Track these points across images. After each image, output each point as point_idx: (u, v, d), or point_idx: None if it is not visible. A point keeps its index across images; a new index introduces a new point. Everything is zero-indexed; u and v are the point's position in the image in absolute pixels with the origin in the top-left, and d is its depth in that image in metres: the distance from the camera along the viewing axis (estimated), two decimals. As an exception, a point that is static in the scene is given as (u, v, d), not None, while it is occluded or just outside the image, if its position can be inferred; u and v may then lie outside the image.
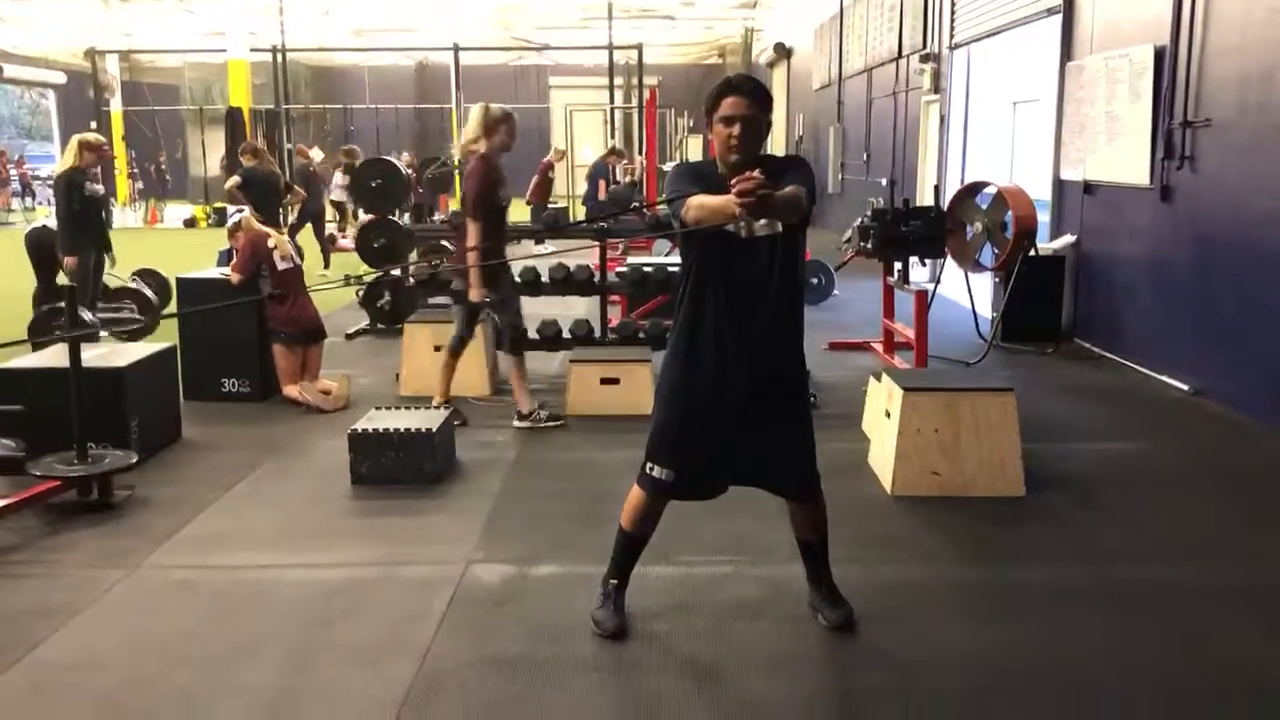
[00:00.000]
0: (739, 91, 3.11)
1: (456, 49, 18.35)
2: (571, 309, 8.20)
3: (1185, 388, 6.66)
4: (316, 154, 25.51)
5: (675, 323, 3.30)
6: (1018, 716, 2.95)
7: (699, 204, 3.00)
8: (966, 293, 8.16)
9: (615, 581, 3.46)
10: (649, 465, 3.32)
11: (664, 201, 3.20)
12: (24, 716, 2.98)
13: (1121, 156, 7.53)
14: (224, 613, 3.62)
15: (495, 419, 6.11)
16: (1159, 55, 6.98)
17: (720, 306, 3.17)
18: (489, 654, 3.29)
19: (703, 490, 3.39)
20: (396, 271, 8.71)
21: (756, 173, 2.76)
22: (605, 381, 6.16)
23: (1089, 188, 8.14)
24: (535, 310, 7.83)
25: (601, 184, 15.13)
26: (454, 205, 15.29)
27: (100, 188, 8.06)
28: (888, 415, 4.92)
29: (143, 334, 8.03)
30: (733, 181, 2.79)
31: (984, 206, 7.66)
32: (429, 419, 5.09)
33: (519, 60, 30.22)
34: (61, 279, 7.91)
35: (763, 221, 3.06)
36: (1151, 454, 5.49)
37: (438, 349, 6.59)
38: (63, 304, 5.15)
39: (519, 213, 16.30)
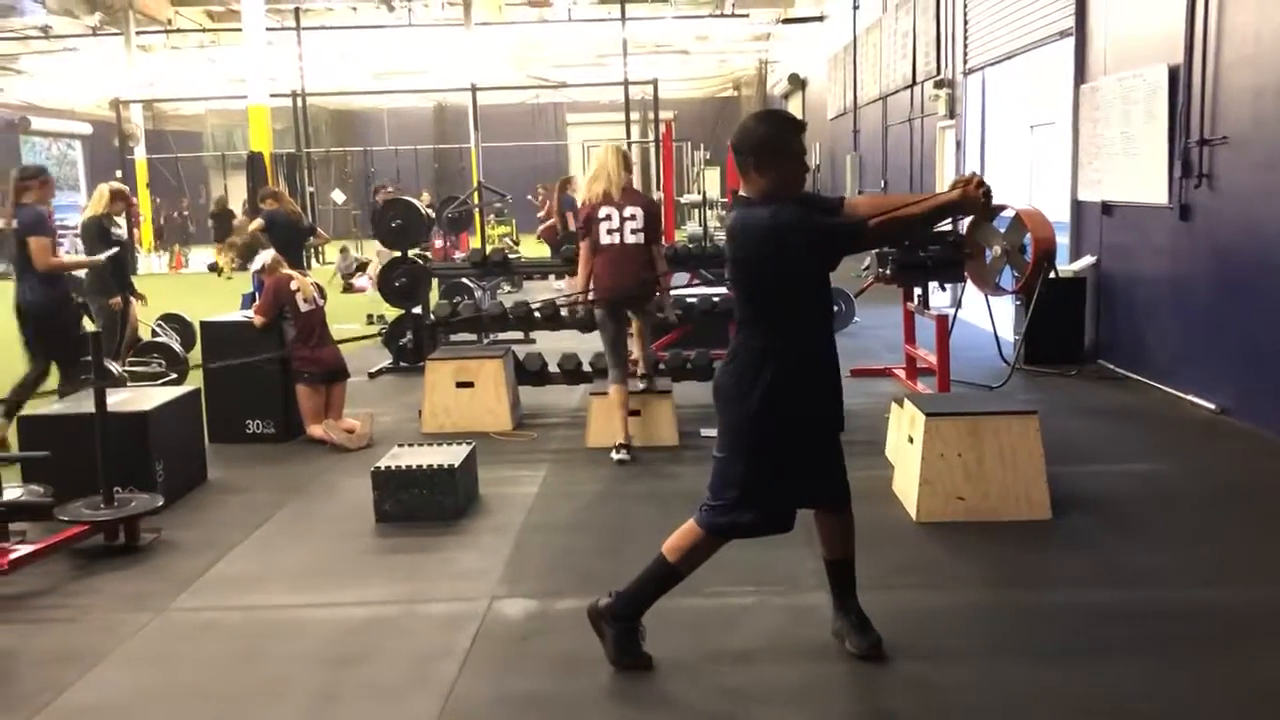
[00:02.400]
0: (803, 129, 3.30)
1: (474, 89, 18.54)
2: (592, 343, 8.22)
3: (1211, 407, 6.60)
4: (338, 195, 25.81)
5: (748, 364, 3.21)
6: (1049, 743, 2.91)
7: (894, 218, 3.21)
8: (988, 316, 8.11)
9: (634, 625, 3.38)
10: (731, 510, 3.24)
11: (838, 236, 3.22)
12: (53, 761, 2.99)
13: (1139, 176, 7.50)
14: (250, 654, 3.63)
15: (517, 454, 6.12)
16: (1173, 74, 6.97)
17: (807, 340, 3.26)
18: (513, 690, 3.28)
19: (785, 526, 3.35)
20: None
21: (974, 172, 3.11)
22: (629, 414, 6.15)
23: (1107, 208, 8.11)
24: (555, 345, 7.87)
25: (570, 216, 15.30)
26: (474, 243, 15.39)
27: (123, 233, 8.17)
28: (910, 441, 4.89)
29: (173, 382, 8.10)
30: (967, 179, 3.21)
31: (1002, 230, 7.63)
32: (452, 455, 5.11)
33: (536, 99, 30.50)
34: (88, 325, 8.01)
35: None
36: (1178, 474, 5.43)
37: (459, 385, 6.64)
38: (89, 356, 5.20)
39: (536, 248, 16.39)
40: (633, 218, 5.78)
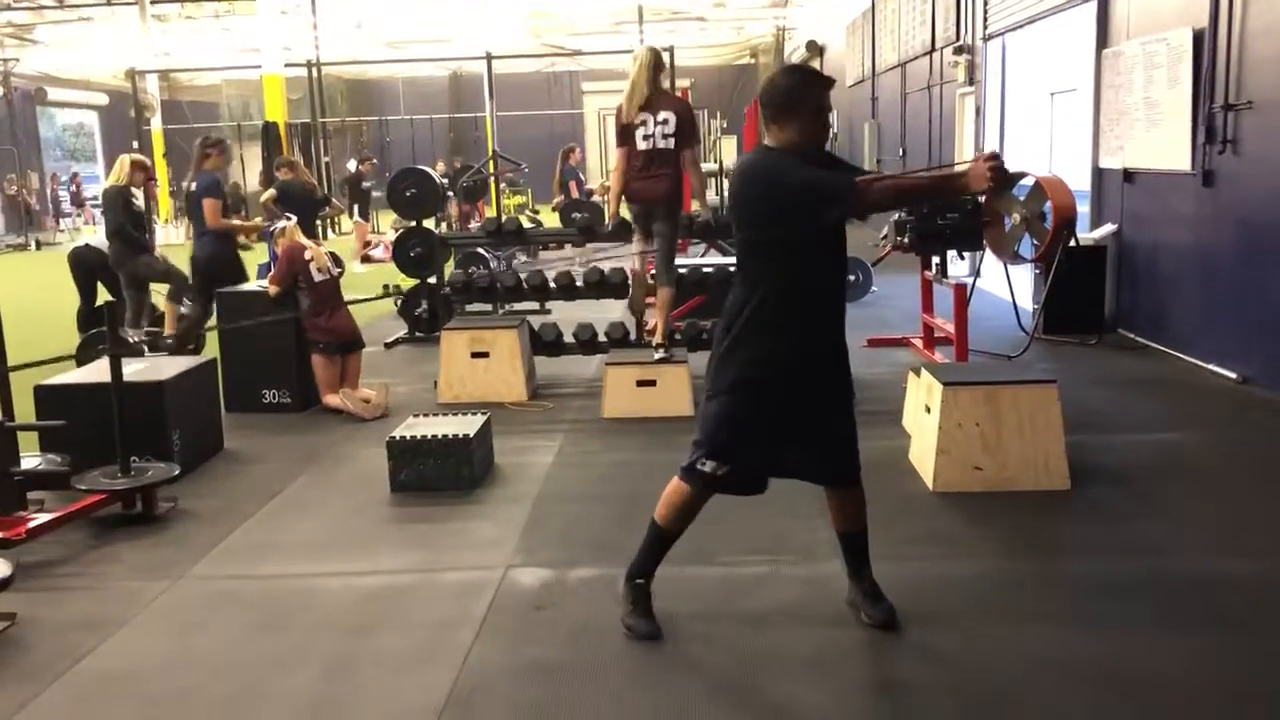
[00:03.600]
0: (830, 83, 3.25)
1: (489, 58, 18.39)
2: (607, 312, 8.21)
3: (1233, 376, 6.52)
4: (353, 165, 25.77)
5: (738, 317, 3.23)
6: (1066, 713, 2.89)
7: (896, 186, 3.19)
8: (1006, 285, 8.05)
9: (641, 580, 3.42)
10: (701, 460, 3.28)
11: (816, 189, 3.11)
12: (71, 727, 3.01)
13: (1161, 143, 7.40)
14: (266, 622, 3.64)
15: (532, 424, 6.12)
16: (1198, 38, 6.85)
17: (798, 300, 3.19)
18: (528, 658, 3.28)
19: (753, 485, 3.36)
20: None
21: (994, 150, 2.90)
22: (642, 384, 6.14)
23: (1129, 175, 8.01)
24: (570, 315, 7.85)
25: (573, 185, 15.28)
26: (490, 213, 15.35)
27: (142, 204, 8.18)
28: (928, 411, 4.86)
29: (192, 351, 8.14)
30: (984, 157, 3.02)
31: (1022, 197, 7.55)
32: (467, 425, 5.10)
33: (552, 67, 30.30)
34: (104, 296, 8.05)
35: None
36: (1199, 444, 5.38)
37: (474, 356, 6.63)
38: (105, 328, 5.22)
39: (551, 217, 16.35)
40: (665, 122, 5.93)
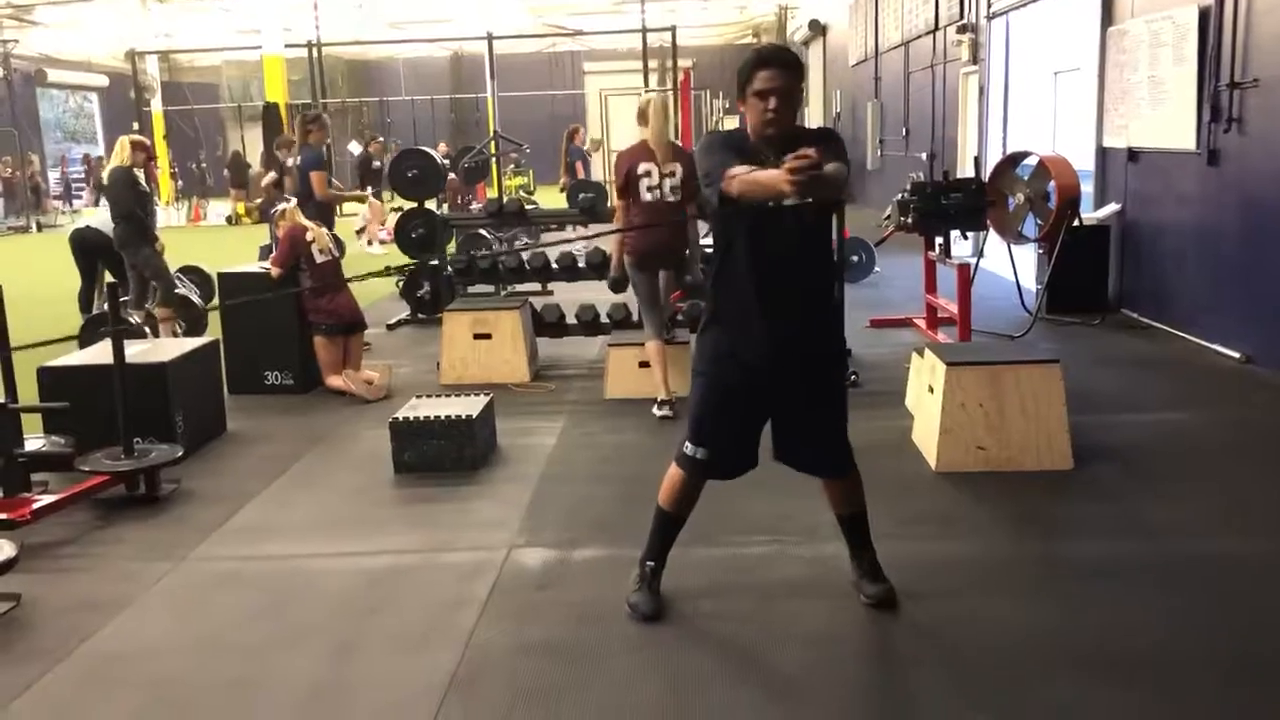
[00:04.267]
0: (773, 64, 3.07)
1: (490, 38, 18.31)
2: (610, 293, 8.19)
3: (1236, 356, 6.51)
4: (355, 147, 25.68)
5: (707, 299, 3.29)
6: (1065, 693, 2.89)
7: (747, 178, 2.92)
8: (1010, 265, 8.04)
9: (652, 563, 3.45)
10: (687, 445, 3.31)
11: (703, 175, 3.14)
12: (77, 706, 3.02)
13: (1166, 122, 7.36)
14: (270, 603, 3.65)
15: (535, 405, 6.12)
16: (1204, 15, 6.80)
17: (749, 281, 3.14)
18: (532, 639, 3.29)
19: (736, 468, 3.36)
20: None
21: (811, 151, 2.71)
22: (644, 365, 6.13)
23: (1133, 155, 7.97)
24: (572, 296, 7.84)
25: (579, 166, 15.24)
26: (491, 193, 15.32)
27: (145, 186, 8.15)
28: (931, 390, 4.85)
29: (192, 333, 8.12)
30: (787, 158, 2.70)
31: (1026, 177, 7.54)
32: (470, 406, 5.10)
33: (553, 47, 30.18)
34: (108, 278, 8.03)
35: None
36: (1202, 424, 5.37)
37: (477, 337, 6.62)
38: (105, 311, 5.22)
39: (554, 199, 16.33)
40: (672, 174, 5.62)
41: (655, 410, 5.75)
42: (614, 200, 6.12)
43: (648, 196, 5.64)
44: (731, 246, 3.17)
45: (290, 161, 8.35)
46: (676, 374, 5.94)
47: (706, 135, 3.37)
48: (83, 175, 28.58)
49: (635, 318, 6.93)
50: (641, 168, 5.63)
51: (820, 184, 2.76)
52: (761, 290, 3.13)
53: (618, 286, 6.13)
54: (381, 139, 20.26)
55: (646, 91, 6.01)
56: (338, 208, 9.05)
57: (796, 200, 2.86)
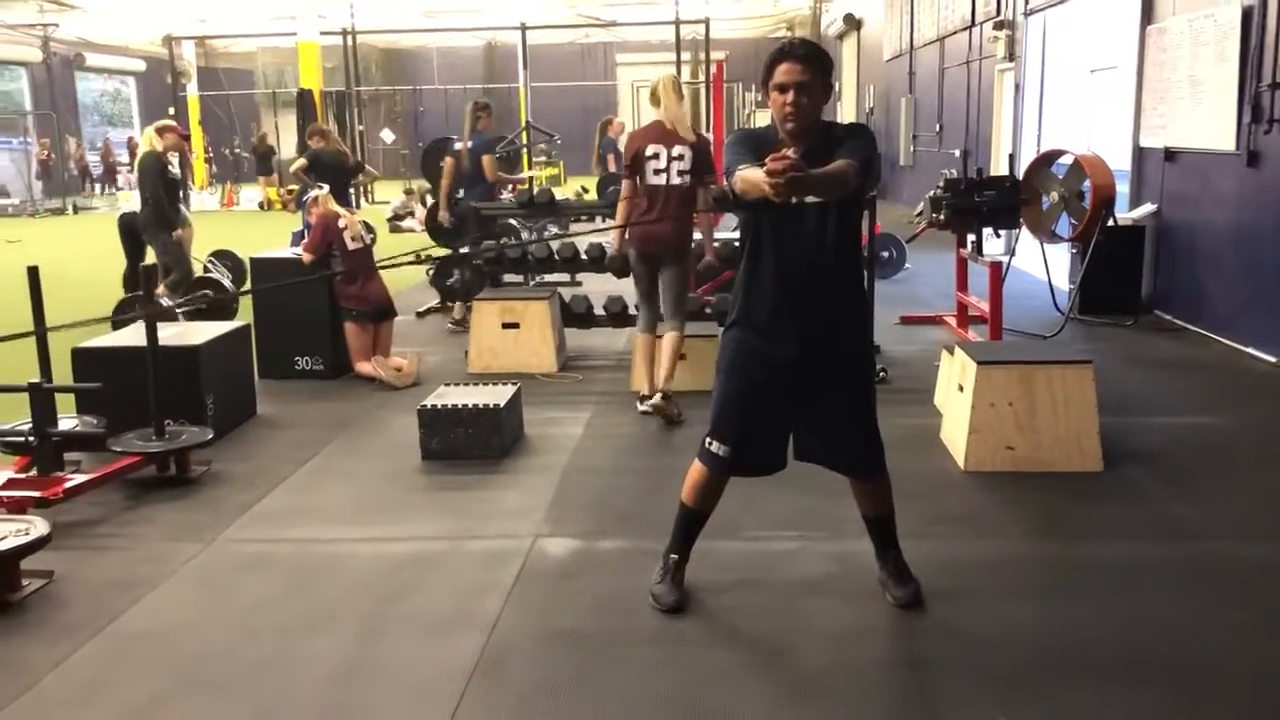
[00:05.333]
0: (793, 57, 3.02)
1: (524, 28, 18.39)
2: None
3: (1271, 359, 6.43)
4: (388, 135, 25.80)
5: (733, 296, 3.28)
6: (1090, 696, 2.88)
7: (743, 176, 2.92)
8: (1042, 264, 7.98)
9: (675, 556, 3.45)
10: (709, 441, 3.30)
11: (724, 170, 3.14)
12: (106, 684, 3.06)
13: (1205, 121, 7.27)
14: (297, 585, 3.68)
15: (562, 395, 6.13)
16: (1246, 14, 6.71)
17: (772, 278, 3.13)
18: (555, 627, 3.30)
19: (760, 466, 3.34)
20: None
21: (790, 152, 2.68)
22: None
23: (1170, 155, 7.88)
24: (600, 287, 7.84)
25: (610, 158, 15.19)
26: (523, 186, 15.34)
27: (177, 171, 8.23)
28: (961, 389, 4.83)
29: (223, 317, 8.19)
30: (768, 159, 2.68)
31: (1060, 176, 7.47)
32: (497, 395, 5.12)
33: (586, 38, 30.18)
34: (150, 259, 8.12)
35: None
36: (1235, 428, 5.31)
37: (505, 326, 6.64)
38: (140, 292, 5.27)
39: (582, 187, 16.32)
40: (680, 157, 5.46)
41: (639, 405, 5.65)
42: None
43: (653, 179, 5.48)
44: (757, 244, 3.16)
45: (459, 145, 8.76)
46: (697, 364, 5.85)
47: (733, 133, 3.36)
48: (127, 160, 28.90)
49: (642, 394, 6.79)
50: (650, 149, 5.48)
51: (801, 185, 2.70)
52: (788, 288, 3.12)
53: (617, 269, 5.95)
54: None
55: (664, 74, 5.78)
56: (366, 189, 9.14)
57: (780, 200, 2.80)
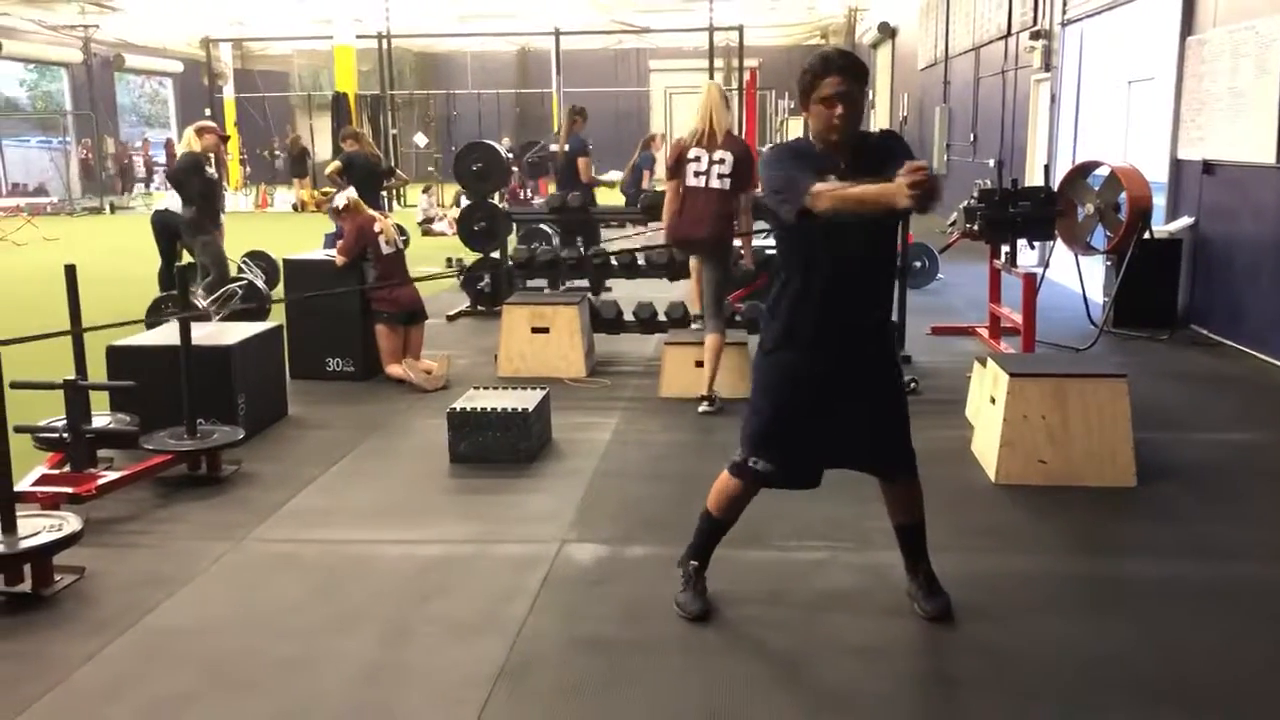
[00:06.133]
0: (839, 70, 3.01)
1: (557, 33, 18.45)
2: (668, 292, 8.18)
3: (1311, 377, 6.34)
4: (421, 139, 25.92)
5: (772, 308, 3.24)
6: (1118, 713, 2.84)
7: (842, 195, 2.82)
8: (1077, 276, 7.90)
9: (696, 563, 3.43)
10: (750, 458, 3.25)
11: (773, 190, 3.07)
12: (135, 680, 3.08)
13: (1245, 134, 7.18)
14: (325, 586, 3.70)
15: (590, 401, 6.13)
16: (1288, 27, 6.63)
17: (821, 292, 3.11)
18: (581, 633, 3.30)
19: (802, 481, 3.32)
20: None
21: (924, 163, 2.67)
22: (700, 364, 6.10)
23: (1209, 167, 7.79)
24: (630, 293, 7.85)
25: (646, 174, 15.13)
26: (553, 188, 15.37)
27: (214, 172, 8.30)
28: (992, 401, 4.78)
29: (255, 318, 8.25)
30: (903, 172, 2.62)
31: (1096, 187, 7.40)
32: (526, 400, 5.13)
33: (619, 44, 30.22)
34: (184, 259, 8.20)
35: None
36: (1272, 445, 5.23)
37: (535, 331, 6.65)
38: (175, 292, 5.31)
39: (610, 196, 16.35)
40: (721, 162, 5.61)
41: (700, 407, 5.77)
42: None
43: (693, 181, 5.67)
44: (808, 262, 3.12)
45: (554, 147, 9.46)
46: (725, 371, 5.90)
47: (772, 149, 3.32)
48: (164, 161, 29.21)
49: (695, 313, 6.88)
50: (692, 152, 5.67)
51: (937, 195, 2.67)
52: (838, 300, 3.12)
53: (670, 272, 6.24)
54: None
55: (712, 82, 6.00)
56: (398, 193, 9.29)
57: (913, 211, 2.75)
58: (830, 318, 3.13)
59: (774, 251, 7.15)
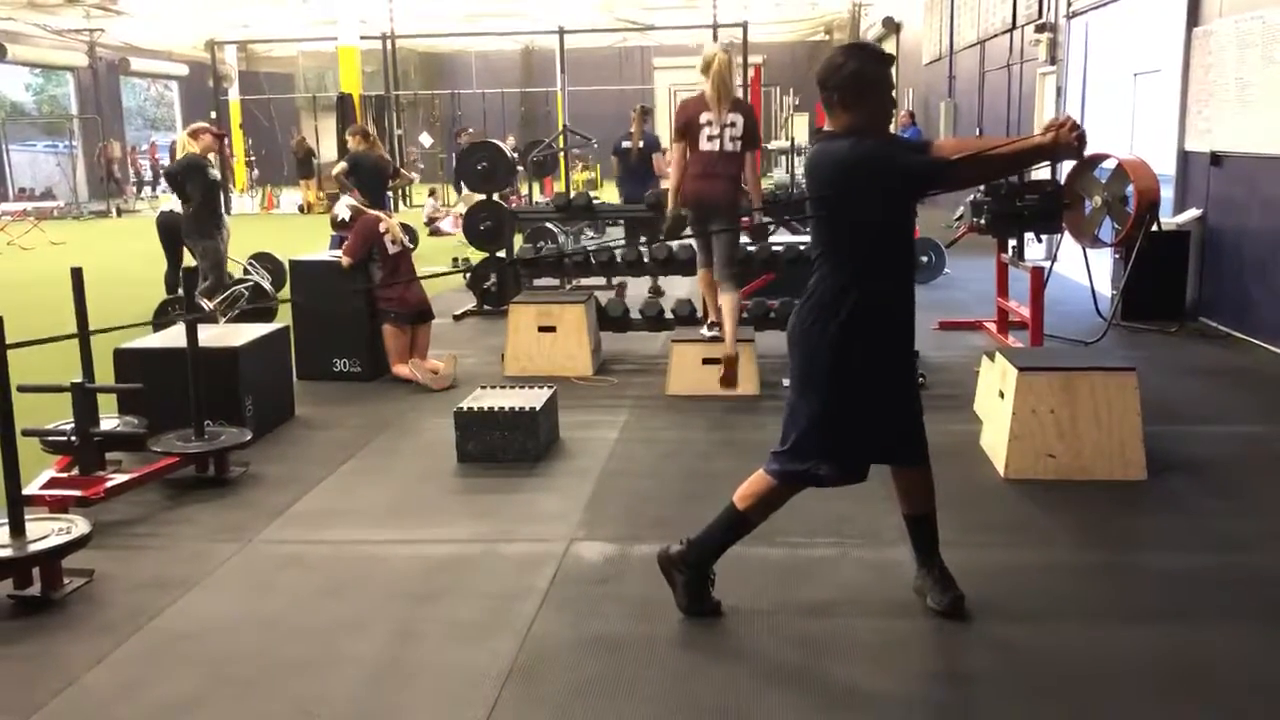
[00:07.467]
0: (892, 63, 3.20)
1: (562, 32, 18.41)
2: (674, 289, 8.19)
3: (1321, 368, 6.31)
4: (426, 139, 25.94)
5: (821, 303, 3.14)
6: (1135, 713, 2.82)
7: (990, 156, 3.05)
8: (1084, 270, 7.86)
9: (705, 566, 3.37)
10: (812, 463, 3.17)
11: (916, 175, 3.13)
12: (144, 682, 3.08)
13: (1253, 125, 7.15)
14: (333, 586, 3.69)
15: (597, 399, 6.12)
16: (1295, 17, 6.59)
17: (878, 278, 3.14)
18: (590, 632, 3.29)
19: (860, 477, 3.26)
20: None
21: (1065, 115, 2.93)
22: (707, 362, 6.10)
23: (1217, 159, 7.76)
24: (637, 292, 7.84)
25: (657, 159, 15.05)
26: (559, 188, 15.37)
27: (217, 174, 8.29)
28: (1001, 396, 4.77)
29: (264, 319, 8.25)
30: (1060, 121, 2.96)
31: (1103, 180, 7.35)
32: (533, 399, 5.12)
33: (623, 42, 30.23)
34: (188, 261, 8.19)
35: None
36: (1284, 437, 5.21)
37: (541, 330, 6.65)
38: (180, 294, 5.31)
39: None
40: (733, 125, 5.82)
41: (704, 330, 6.17)
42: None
43: (707, 145, 5.85)
44: (878, 244, 3.14)
45: (627, 144, 9.45)
46: (745, 374, 5.96)
47: (859, 150, 3.07)
48: (168, 164, 29.29)
49: (700, 314, 6.87)
50: (704, 117, 5.84)
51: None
52: (896, 296, 3.19)
53: (675, 226, 6.14)
54: (469, 129, 20.45)
55: (720, 49, 6.09)
56: (404, 194, 9.33)
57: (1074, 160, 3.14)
58: (891, 310, 3.17)
59: (778, 249, 7.14)
